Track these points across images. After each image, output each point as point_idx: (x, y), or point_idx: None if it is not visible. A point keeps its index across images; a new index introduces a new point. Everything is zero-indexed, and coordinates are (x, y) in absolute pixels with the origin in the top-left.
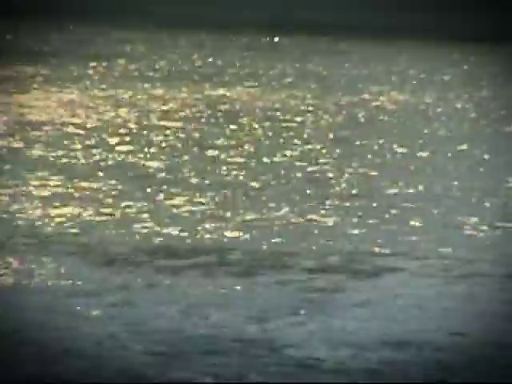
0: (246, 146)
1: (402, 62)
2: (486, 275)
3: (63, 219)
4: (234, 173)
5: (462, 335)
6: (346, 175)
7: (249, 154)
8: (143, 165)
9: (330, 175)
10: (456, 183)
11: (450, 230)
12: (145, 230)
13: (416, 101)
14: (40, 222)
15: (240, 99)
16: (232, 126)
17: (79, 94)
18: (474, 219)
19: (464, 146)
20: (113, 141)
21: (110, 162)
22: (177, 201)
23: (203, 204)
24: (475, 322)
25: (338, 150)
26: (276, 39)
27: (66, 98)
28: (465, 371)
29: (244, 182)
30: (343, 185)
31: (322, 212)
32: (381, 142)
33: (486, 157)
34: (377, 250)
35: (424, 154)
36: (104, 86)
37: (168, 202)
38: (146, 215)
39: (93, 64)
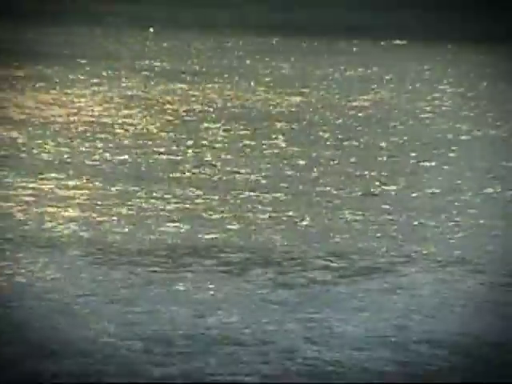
0: (243, 145)
1: (401, 62)
2: (484, 274)
3: (62, 219)
4: (231, 172)
5: (461, 335)
6: (344, 174)
7: (245, 153)
8: (142, 164)
9: (327, 174)
10: (452, 183)
11: (447, 230)
12: (144, 230)
13: (414, 101)
14: (39, 222)
15: (238, 99)
16: (230, 126)
17: (77, 95)
18: (472, 219)
19: (462, 147)
20: (111, 140)
21: (108, 162)
22: (175, 200)
23: (201, 204)
24: (474, 322)
25: (335, 150)
26: (274, 40)
27: (64, 98)
28: (464, 371)
29: (241, 182)
30: (340, 184)
31: (319, 212)
32: (377, 142)
33: (484, 157)
34: (374, 250)
35: (420, 155)
36: (102, 87)
37: (167, 202)
38: (144, 214)
39: (91, 64)
